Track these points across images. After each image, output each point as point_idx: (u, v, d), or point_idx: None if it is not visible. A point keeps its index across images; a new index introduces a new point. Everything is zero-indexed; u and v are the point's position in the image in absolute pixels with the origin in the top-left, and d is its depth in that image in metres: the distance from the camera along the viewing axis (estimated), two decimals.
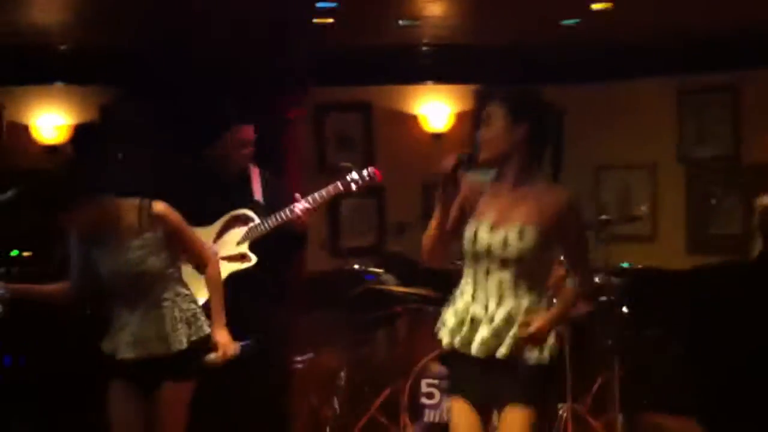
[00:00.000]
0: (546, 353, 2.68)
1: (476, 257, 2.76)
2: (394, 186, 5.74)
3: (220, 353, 3.27)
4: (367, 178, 4.09)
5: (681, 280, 5.48)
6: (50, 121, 6.02)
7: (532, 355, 2.68)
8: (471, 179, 2.85)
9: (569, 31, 5.45)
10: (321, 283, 5.26)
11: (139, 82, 5.59)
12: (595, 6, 4.71)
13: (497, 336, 2.69)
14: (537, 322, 2.65)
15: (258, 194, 4.14)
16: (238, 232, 4.03)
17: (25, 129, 6.03)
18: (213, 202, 4.01)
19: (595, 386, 4.65)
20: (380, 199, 6.22)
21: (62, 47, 5.74)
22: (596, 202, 5.97)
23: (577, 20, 5.19)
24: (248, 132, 4.11)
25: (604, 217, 4.83)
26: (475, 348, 2.72)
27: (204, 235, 3.82)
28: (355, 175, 4.09)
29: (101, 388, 3.30)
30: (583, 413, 4.57)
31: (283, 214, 3.97)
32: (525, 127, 2.72)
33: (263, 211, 4.06)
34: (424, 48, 6.15)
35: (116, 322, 3.27)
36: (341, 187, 4.11)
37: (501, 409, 2.73)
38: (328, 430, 4.95)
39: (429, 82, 6.39)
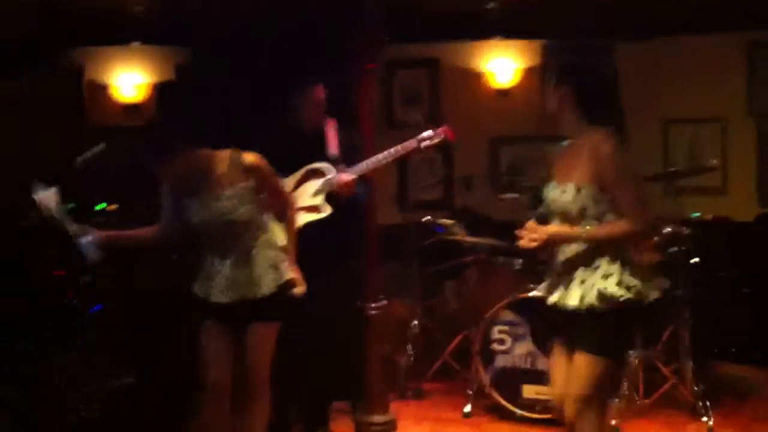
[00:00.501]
0: (609, 303, 2.82)
1: (551, 216, 2.98)
2: (461, 141, 5.77)
3: (298, 290, 3.44)
4: (440, 137, 4.18)
5: (752, 232, 5.47)
6: (129, 80, 6.23)
7: (599, 305, 2.82)
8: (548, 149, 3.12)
9: None
10: (392, 235, 5.37)
11: (214, 43, 5.74)
12: None
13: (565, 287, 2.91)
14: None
15: (333, 149, 4.27)
16: (314, 184, 4.18)
17: (104, 88, 6.27)
18: (291, 155, 4.12)
19: (666, 334, 4.69)
20: (447, 154, 6.29)
21: (139, 8, 5.91)
22: (665, 155, 5.97)
23: None
24: (316, 92, 4.27)
25: (672, 168, 4.84)
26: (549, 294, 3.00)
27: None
28: (428, 133, 4.18)
29: (193, 329, 3.48)
30: (654, 361, 4.63)
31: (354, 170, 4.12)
32: (568, 88, 2.90)
33: (338, 164, 4.18)
34: (491, 4, 6.15)
35: (208, 268, 3.41)
36: (415, 144, 4.20)
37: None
38: (403, 375, 5.09)
39: (496, 38, 6.40)
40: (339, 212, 4.15)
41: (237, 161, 3.35)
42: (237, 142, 3.45)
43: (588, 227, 2.87)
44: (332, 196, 4.15)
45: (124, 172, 4.41)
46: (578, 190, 2.86)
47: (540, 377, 4.49)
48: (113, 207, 5.22)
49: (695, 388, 4.46)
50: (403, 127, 5.76)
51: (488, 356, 4.62)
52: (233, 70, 5.45)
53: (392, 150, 4.21)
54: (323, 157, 4.25)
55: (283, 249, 3.51)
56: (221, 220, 3.33)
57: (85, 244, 3.32)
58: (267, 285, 3.37)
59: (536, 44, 6.34)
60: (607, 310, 2.82)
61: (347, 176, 4.14)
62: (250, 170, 3.36)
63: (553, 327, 3.06)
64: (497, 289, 4.84)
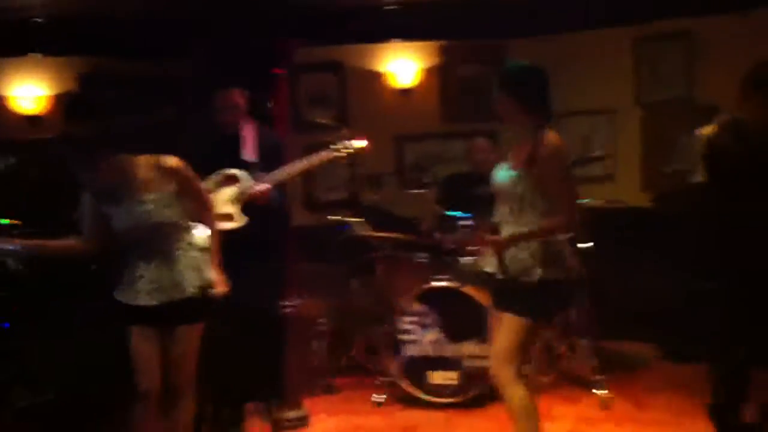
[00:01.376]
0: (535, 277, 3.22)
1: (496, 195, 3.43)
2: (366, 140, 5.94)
3: (219, 290, 3.52)
4: (355, 148, 4.34)
5: (638, 215, 5.81)
6: (28, 91, 6.17)
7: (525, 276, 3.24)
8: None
9: None
10: (300, 236, 5.47)
11: (117, 51, 5.75)
12: None
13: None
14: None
15: (251, 153, 4.31)
16: (229, 191, 4.23)
17: (3, 100, 6.19)
18: (209, 158, 4.15)
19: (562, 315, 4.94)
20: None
21: (37, 20, 5.86)
22: None
23: None
24: (234, 96, 4.29)
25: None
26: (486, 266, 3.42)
27: None
28: (342, 144, 4.33)
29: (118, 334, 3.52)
30: (551, 340, 4.89)
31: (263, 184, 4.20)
32: (511, 94, 3.34)
33: (255, 170, 4.25)
34: (389, 7, 6.32)
35: (133, 273, 3.45)
36: (331, 155, 4.34)
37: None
38: (313, 372, 5.20)
39: (396, 40, 6.59)
40: (255, 216, 4.21)
41: (158, 165, 3.41)
42: (155, 146, 3.51)
43: (531, 228, 3.25)
44: (248, 203, 4.21)
45: (30, 185, 4.40)
46: (520, 176, 3.26)
47: (446, 363, 4.69)
48: (16, 222, 5.18)
49: (590, 364, 4.74)
50: (310, 129, 5.88)
51: (397, 347, 4.79)
52: (145, 75, 5.46)
53: (308, 159, 4.32)
54: (238, 161, 4.28)
55: (206, 251, 3.57)
56: (145, 225, 3.39)
57: (9, 252, 3.32)
58: (190, 286, 3.44)
59: (434, 45, 6.57)
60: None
61: (263, 186, 4.20)
62: (171, 173, 3.42)
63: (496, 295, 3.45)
64: (405, 282, 5.03)
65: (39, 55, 6.17)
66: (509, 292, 3.30)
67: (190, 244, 3.51)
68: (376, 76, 6.62)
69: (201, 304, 3.48)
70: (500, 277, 3.31)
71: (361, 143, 4.39)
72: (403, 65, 6.59)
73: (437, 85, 6.63)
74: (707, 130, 3.56)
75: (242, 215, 4.20)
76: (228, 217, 4.17)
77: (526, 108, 3.32)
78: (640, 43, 6.33)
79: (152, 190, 3.39)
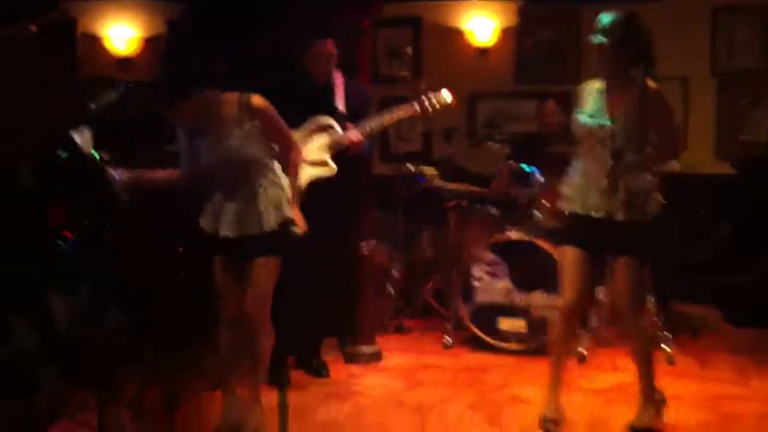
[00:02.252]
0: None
1: (583, 139, 3.56)
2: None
3: (300, 228, 3.67)
4: (445, 102, 4.52)
5: (710, 183, 5.90)
6: (121, 33, 6.42)
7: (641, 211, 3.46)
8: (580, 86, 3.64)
9: None
10: (375, 185, 5.66)
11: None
12: None
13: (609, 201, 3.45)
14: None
15: (341, 104, 4.45)
16: (321, 139, 4.38)
17: (97, 40, 6.45)
18: (300, 108, 4.27)
19: None
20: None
21: None
22: None
23: None
24: (327, 45, 4.39)
25: None
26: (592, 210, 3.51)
27: None
28: (432, 99, 4.49)
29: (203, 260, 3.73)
30: None
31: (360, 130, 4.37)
32: (623, 48, 3.43)
33: (345, 120, 4.40)
34: None
35: (216, 205, 3.62)
36: (417, 109, 4.50)
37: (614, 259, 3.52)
38: (386, 312, 5.45)
39: None
40: (341, 162, 4.35)
41: (244, 103, 3.55)
42: (246, 89, 3.64)
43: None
44: (339, 151, 4.36)
45: (134, 120, 4.61)
46: (627, 119, 3.42)
47: (515, 311, 4.89)
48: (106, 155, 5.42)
49: (655, 320, 4.89)
50: (387, 82, 6.06)
51: (468, 293, 4.99)
52: (233, 23, 5.59)
53: (396, 112, 4.48)
54: (331, 110, 4.41)
55: (286, 190, 3.70)
56: (231, 159, 3.54)
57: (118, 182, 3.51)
58: (270, 221, 3.58)
59: (513, 5, 6.66)
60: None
61: (356, 135, 4.36)
62: (256, 112, 3.55)
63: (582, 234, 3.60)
64: (477, 232, 5.21)
65: None
66: (626, 234, 3.46)
67: (273, 181, 3.64)
68: (454, 33, 6.74)
69: (279, 239, 3.62)
70: (621, 219, 3.44)
71: (447, 97, 4.55)
72: (481, 23, 6.70)
73: (513, 46, 6.74)
74: None
75: (333, 163, 4.35)
76: (322, 164, 4.33)
77: (634, 58, 3.42)
78: (717, 14, 6.37)
79: (237, 126, 3.53)
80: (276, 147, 3.74)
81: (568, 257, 3.61)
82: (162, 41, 6.23)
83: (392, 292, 5.53)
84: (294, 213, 3.68)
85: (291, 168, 3.77)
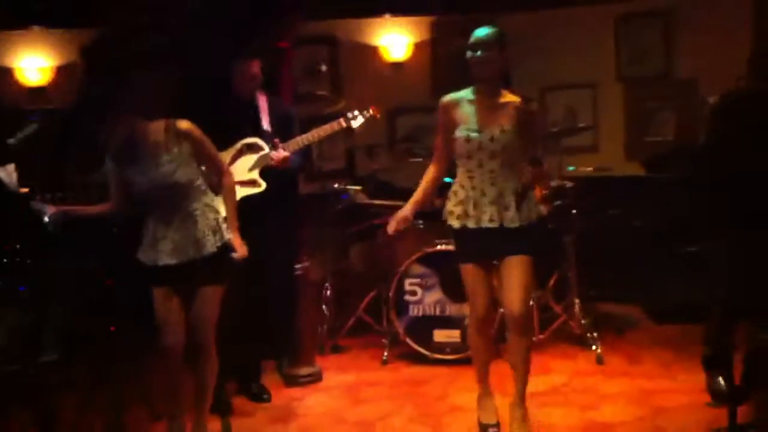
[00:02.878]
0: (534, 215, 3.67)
1: (470, 154, 3.59)
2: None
3: (239, 253, 3.67)
4: (370, 115, 4.69)
5: (622, 182, 6.17)
6: (33, 63, 6.28)
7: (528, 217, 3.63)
8: (445, 100, 3.77)
9: None
10: (303, 203, 5.70)
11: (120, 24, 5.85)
12: None
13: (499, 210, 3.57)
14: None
15: (266, 123, 4.52)
16: (250, 158, 4.44)
17: (8, 72, 6.29)
18: (226, 128, 4.31)
19: (554, 277, 5.28)
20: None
21: None
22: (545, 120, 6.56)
23: None
24: (252, 67, 4.46)
25: (553, 129, 5.42)
26: (485, 222, 3.58)
27: None
28: (356, 112, 4.64)
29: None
30: (546, 300, 5.22)
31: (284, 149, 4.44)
32: (501, 58, 3.60)
33: (270, 139, 4.46)
34: None
35: (154, 234, 3.61)
36: (343, 124, 4.62)
37: (502, 259, 3.64)
38: (321, 333, 5.45)
39: (387, 15, 6.81)
40: (270, 181, 4.43)
41: (171, 127, 3.56)
42: (171, 114, 3.64)
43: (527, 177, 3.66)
44: (267, 169, 4.43)
45: (52, 150, 4.53)
46: (515, 132, 3.57)
47: (449, 322, 5.00)
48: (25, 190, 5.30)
49: (583, 323, 5.08)
50: (305, 100, 6.10)
51: (401, 307, 5.08)
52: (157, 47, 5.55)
53: (323, 128, 4.58)
54: (257, 130, 4.48)
55: (222, 213, 3.72)
56: (162, 185, 3.53)
57: (47, 217, 3.48)
58: (209, 245, 3.59)
59: (425, 20, 6.81)
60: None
61: (283, 153, 4.43)
62: (184, 135, 3.57)
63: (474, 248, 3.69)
64: (404, 247, 5.30)
65: (39, 28, 6.25)
66: (518, 237, 3.59)
67: (207, 204, 3.66)
68: (369, 50, 6.84)
69: (221, 264, 3.63)
70: (513, 225, 3.59)
71: (371, 112, 4.68)
72: (395, 39, 6.83)
73: (428, 59, 6.88)
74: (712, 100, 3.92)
75: (262, 180, 4.43)
76: (252, 183, 4.41)
77: (505, 69, 3.64)
78: (621, 21, 6.66)
79: (166, 152, 3.53)
80: (205, 170, 3.75)
81: (469, 275, 3.70)
82: (76, 69, 6.10)
83: (327, 312, 5.55)
84: (234, 238, 3.70)
85: (227, 192, 3.78)
